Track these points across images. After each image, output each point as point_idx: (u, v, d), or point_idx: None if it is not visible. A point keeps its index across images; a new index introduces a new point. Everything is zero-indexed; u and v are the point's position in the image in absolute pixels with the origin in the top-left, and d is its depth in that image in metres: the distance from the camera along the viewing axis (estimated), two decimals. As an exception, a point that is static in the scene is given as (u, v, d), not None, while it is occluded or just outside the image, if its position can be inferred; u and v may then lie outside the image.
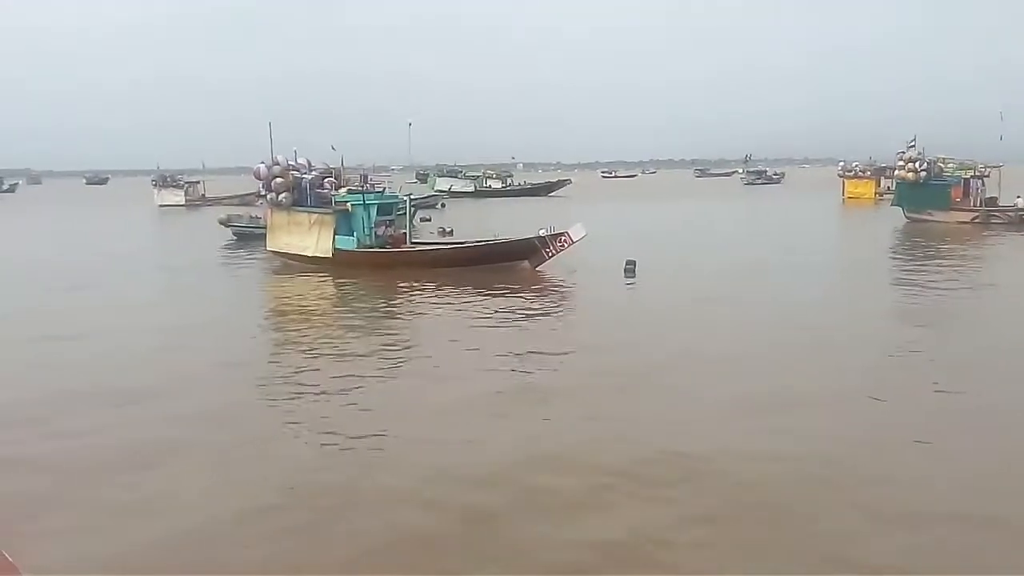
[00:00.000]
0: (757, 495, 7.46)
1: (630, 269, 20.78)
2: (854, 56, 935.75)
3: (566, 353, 12.96)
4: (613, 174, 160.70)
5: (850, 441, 8.79)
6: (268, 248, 24.72)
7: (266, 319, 17.92)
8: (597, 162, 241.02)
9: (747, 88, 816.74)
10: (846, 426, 9.26)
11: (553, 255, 21.45)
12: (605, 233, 25.60)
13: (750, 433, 9.01)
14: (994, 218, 34.69)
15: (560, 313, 17.02)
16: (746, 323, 15.17)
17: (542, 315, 16.43)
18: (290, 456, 8.72)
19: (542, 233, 21.46)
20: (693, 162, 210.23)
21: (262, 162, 23.64)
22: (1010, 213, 34.63)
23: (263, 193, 24.23)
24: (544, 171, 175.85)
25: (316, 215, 23.13)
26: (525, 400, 10.40)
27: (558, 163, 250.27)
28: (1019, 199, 34.85)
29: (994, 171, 37.02)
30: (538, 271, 21.43)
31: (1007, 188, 35.70)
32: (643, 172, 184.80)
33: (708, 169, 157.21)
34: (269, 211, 24.33)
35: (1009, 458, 8.28)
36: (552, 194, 75.11)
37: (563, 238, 21.37)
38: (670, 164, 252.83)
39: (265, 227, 25.38)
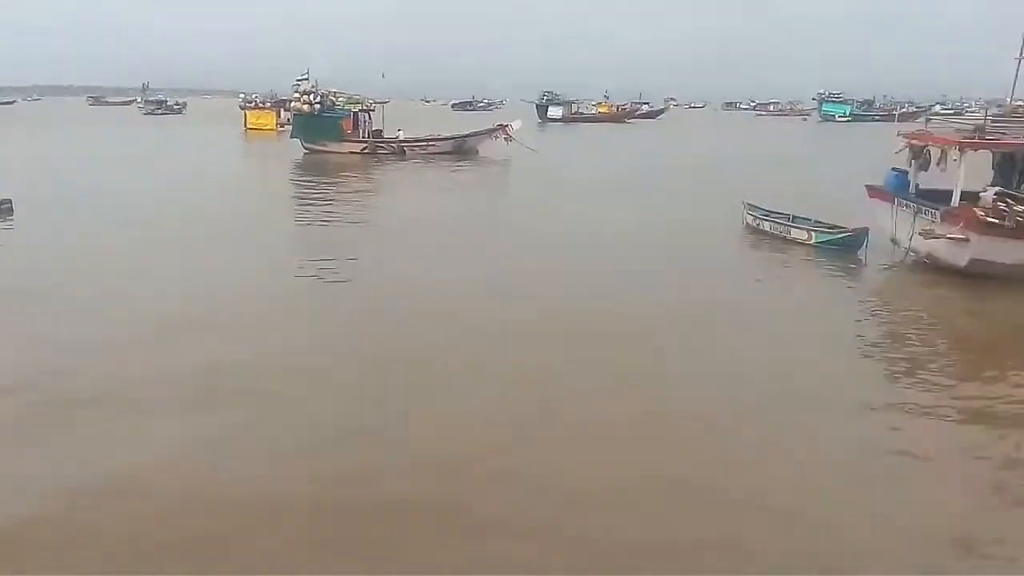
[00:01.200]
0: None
1: (7, 208, 18.59)
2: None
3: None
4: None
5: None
6: None
7: None
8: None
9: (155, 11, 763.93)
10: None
11: None
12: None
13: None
14: (380, 149, 38.33)
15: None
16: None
17: None
18: None
19: None
20: (86, 90, 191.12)
21: None
22: (393, 145, 38.66)
23: None
24: None
25: None
26: None
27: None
28: (399, 132, 39.21)
29: (379, 106, 40.74)
30: None
31: (390, 121, 39.63)
32: (24, 99, 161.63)
33: (104, 97, 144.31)
34: None
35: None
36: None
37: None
38: (58, 91, 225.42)
39: None
